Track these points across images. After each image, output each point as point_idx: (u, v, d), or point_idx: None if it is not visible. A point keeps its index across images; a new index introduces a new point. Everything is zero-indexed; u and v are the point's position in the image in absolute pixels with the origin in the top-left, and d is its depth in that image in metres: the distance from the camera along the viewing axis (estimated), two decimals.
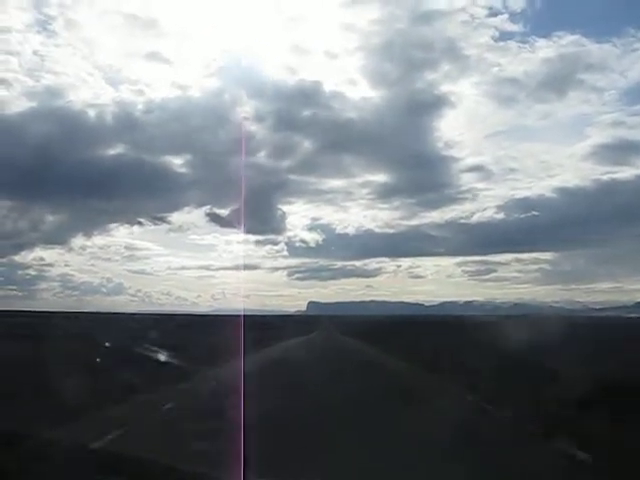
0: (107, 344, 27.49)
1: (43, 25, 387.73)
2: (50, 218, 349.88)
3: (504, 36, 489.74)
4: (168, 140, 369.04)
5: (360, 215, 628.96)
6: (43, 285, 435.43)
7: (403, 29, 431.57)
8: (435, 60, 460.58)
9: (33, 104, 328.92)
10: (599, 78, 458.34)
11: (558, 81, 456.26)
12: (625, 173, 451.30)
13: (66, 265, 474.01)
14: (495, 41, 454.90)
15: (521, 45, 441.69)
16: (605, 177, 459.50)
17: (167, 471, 2.95)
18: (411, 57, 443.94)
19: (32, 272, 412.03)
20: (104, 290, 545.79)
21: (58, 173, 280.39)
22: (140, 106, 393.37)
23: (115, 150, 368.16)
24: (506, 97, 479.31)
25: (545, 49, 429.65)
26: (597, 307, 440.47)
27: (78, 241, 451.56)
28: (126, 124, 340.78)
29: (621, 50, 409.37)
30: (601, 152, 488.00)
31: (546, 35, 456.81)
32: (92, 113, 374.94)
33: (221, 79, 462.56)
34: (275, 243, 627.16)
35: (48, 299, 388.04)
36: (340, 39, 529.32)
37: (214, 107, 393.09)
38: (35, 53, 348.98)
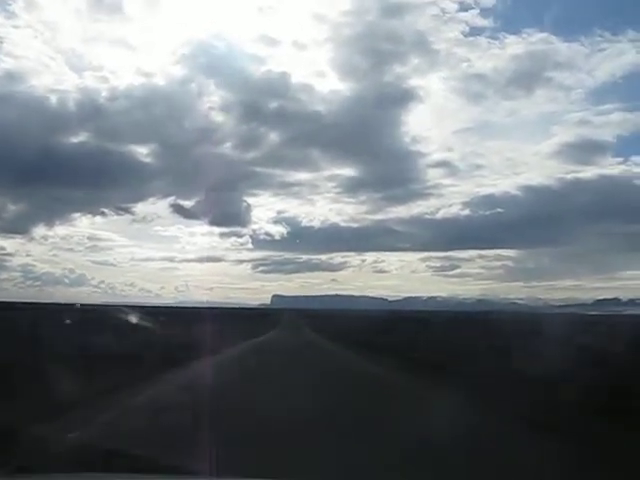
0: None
1: (1, 5, 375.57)
2: (11, 207, 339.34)
3: (474, 31, 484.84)
4: (133, 129, 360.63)
5: (326, 209, 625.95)
6: (4, 275, 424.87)
7: (373, 21, 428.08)
8: (404, 53, 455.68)
9: None
10: (567, 76, 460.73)
11: (526, 78, 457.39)
12: (588, 173, 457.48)
13: (27, 255, 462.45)
14: (465, 36, 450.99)
15: (491, 41, 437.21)
16: (569, 176, 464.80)
17: None
18: (381, 50, 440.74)
19: None
20: (67, 281, 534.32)
21: (19, 161, 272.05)
22: (104, 93, 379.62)
23: (78, 138, 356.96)
24: (474, 93, 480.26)
25: (514, 46, 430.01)
26: (558, 304, 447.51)
27: (40, 231, 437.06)
28: (89, 111, 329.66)
29: (589, 49, 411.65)
30: (566, 151, 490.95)
31: (516, 32, 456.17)
32: (54, 99, 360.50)
33: (187, 67, 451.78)
34: (240, 235, 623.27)
35: (9, 289, 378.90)
36: (310, 30, 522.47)
37: (180, 96, 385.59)
38: None
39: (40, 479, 3.76)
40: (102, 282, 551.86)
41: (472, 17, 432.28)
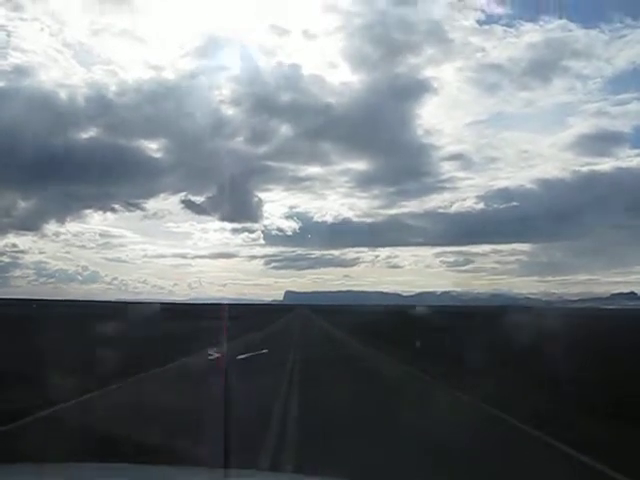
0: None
1: None
2: (22, 204, 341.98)
3: (490, 19, 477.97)
4: (142, 124, 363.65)
5: (338, 203, 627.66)
6: (17, 272, 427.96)
7: (386, 10, 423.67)
8: (418, 43, 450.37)
9: (1, 84, 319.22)
10: (585, 65, 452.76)
11: (542, 68, 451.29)
12: (605, 165, 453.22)
13: (40, 252, 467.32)
14: (480, 24, 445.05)
15: (507, 29, 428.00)
16: (585, 168, 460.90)
17: None
18: (393, 40, 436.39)
19: (5, 259, 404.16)
20: (80, 278, 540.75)
21: (29, 157, 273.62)
22: (113, 87, 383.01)
23: (87, 134, 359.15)
24: (489, 84, 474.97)
25: (531, 34, 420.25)
26: (573, 299, 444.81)
27: (51, 227, 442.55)
28: (99, 107, 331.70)
29: (608, 36, 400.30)
30: (582, 142, 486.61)
31: (533, 19, 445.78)
32: (63, 95, 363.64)
33: (196, 60, 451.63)
34: (251, 231, 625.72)
35: (23, 286, 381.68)
36: (320, 19, 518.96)
37: (190, 89, 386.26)
38: (1, 28, 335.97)
39: (38, 469, 3.47)
40: (115, 279, 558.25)
41: (488, 4, 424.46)
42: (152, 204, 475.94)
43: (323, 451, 7.83)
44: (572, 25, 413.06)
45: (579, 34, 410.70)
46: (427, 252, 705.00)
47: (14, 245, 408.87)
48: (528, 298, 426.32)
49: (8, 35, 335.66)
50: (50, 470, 3.31)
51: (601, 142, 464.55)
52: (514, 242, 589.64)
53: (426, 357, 21.58)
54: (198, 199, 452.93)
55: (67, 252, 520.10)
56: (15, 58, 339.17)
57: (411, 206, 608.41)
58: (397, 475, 7.19)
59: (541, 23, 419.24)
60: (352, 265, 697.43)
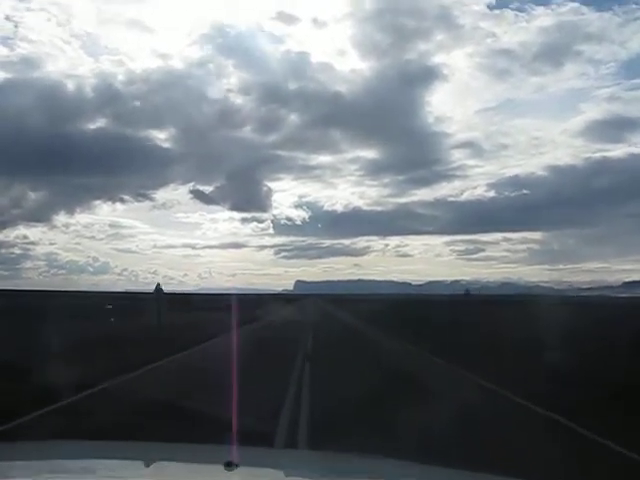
0: None
1: None
2: (31, 195, 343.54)
3: (500, 3, 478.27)
4: (151, 113, 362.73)
5: (348, 192, 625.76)
6: (29, 264, 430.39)
7: None
8: (427, 29, 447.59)
9: (9, 75, 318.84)
10: (598, 49, 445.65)
11: (554, 52, 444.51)
12: (617, 151, 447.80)
13: (51, 243, 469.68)
14: (490, 9, 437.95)
15: (518, 13, 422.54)
16: (597, 155, 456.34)
17: None
18: (403, 26, 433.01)
19: (17, 250, 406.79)
20: (90, 269, 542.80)
21: (38, 148, 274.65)
22: (120, 77, 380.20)
23: (95, 124, 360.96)
24: (500, 69, 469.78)
25: (542, 17, 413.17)
26: (584, 287, 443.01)
27: (61, 219, 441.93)
28: (106, 97, 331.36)
29: (622, 19, 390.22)
30: (595, 128, 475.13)
31: (544, 2, 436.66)
32: (71, 85, 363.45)
33: (204, 48, 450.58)
34: (261, 221, 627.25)
35: (34, 278, 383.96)
36: (329, 6, 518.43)
37: (198, 78, 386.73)
38: (8, 18, 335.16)
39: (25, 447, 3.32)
40: (125, 270, 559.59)
41: None
42: (161, 194, 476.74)
43: None
44: (585, 8, 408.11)
45: (592, 17, 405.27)
46: (437, 241, 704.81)
47: (25, 237, 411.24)
48: (539, 286, 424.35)
49: (15, 26, 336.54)
50: (52, 449, 3.18)
51: (614, 128, 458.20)
52: (525, 230, 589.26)
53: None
54: (207, 189, 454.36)
55: (77, 243, 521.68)
56: (22, 49, 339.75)
57: (421, 194, 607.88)
58: None
59: (553, 6, 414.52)
60: (362, 254, 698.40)
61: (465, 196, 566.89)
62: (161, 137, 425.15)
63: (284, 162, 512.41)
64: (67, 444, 3.54)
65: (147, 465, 2.87)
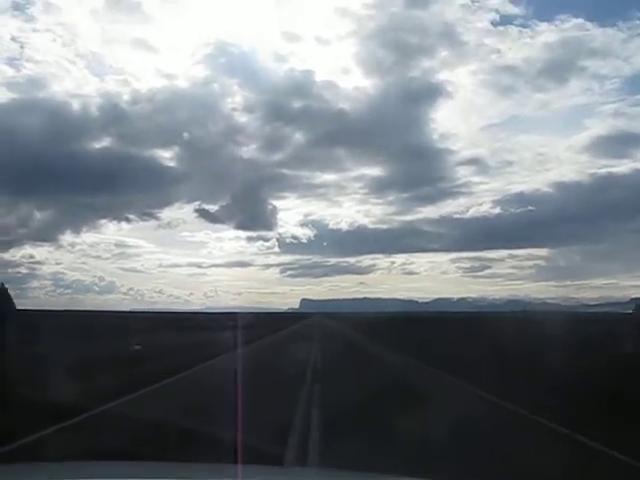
0: None
1: (20, 8, 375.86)
2: (37, 215, 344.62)
3: (504, 20, 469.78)
4: (156, 133, 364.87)
5: (353, 210, 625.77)
6: (35, 283, 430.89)
7: (398, 13, 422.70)
8: (431, 46, 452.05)
9: (15, 95, 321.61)
10: (602, 65, 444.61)
11: (559, 68, 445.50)
12: (622, 167, 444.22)
13: (57, 263, 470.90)
14: (494, 25, 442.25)
15: (522, 29, 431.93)
16: (602, 171, 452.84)
17: None
18: (406, 43, 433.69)
19: (23, 270, 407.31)
20: (96, 288, 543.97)
21: (44, 168, 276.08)
22: (126, 97, 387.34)
23: (101, 143, 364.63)
24: (504, 86, 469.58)
25: (547, 33, 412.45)
26: (591, 303, 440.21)
27: (67, 238, 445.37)
28: (112, 116, 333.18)
29: (626, 34, 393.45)
30: (600, 144, 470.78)
31: (548, 18, 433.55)
32: (76, 105, 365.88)
33: (209, 67, 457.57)
34: (266, 239, 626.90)
35: (40, 297, 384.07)
36: (332, 24, 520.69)
37: (202, 97, 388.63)
38: (14, 39, 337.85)
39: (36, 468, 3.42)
40: (131, 289, 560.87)
41: (502, 4, 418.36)
42: (166, 213, 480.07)
43: None
44: (589, 24, 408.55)
45: (596, 33, 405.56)
46: (443, 258, 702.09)
47: (31, 256, 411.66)
48: (546, 303, 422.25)
49: (21, 46, 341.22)
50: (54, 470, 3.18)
51: (619, 144, 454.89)
52: (531, 247, 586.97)
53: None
54: (212, 208, 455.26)
55: (83, 263, 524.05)
56: (28, 69, 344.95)
57: (426, 212, 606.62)
58: None
59: (557, 22, 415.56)
60: (368, 272, 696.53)
61: (470, 213, 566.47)
62: (166, 156, 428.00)
63: (289, 180, 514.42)
64: (71, 465, 3.58)
65: None
